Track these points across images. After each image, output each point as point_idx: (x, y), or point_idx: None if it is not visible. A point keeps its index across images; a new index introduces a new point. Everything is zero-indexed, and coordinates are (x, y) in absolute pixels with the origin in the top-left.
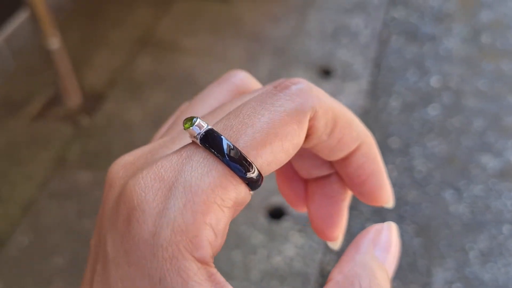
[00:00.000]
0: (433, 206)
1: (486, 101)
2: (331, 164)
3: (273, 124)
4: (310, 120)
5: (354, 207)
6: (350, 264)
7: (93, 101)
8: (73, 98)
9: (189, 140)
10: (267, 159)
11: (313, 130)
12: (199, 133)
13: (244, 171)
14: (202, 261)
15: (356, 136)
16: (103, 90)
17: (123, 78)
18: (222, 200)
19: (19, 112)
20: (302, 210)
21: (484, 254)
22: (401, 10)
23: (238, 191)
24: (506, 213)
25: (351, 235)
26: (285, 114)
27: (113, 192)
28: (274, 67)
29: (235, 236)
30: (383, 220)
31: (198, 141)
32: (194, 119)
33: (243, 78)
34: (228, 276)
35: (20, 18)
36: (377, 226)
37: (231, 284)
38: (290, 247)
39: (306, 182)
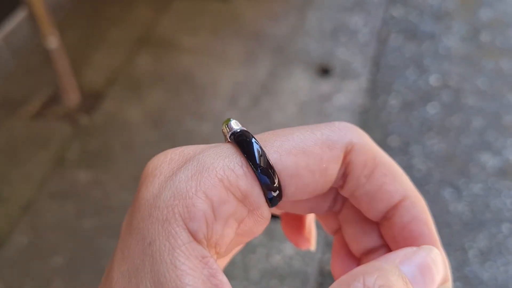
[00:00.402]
0: (433, 204)
1: (486, 100)
2: (380, 234)
3: (304, 141)
4: (347, 155)
5: None
6: (363, 266)
7: (92, 100)
8: (72, 97)
9: None
10: (289, 170)
11: (351, 168)
12: (231, 131)
13: (257, 163)
14: (194, 235)
15: (399, 188)
16: (102, 89)
17: (122, 77)
18: (230, 183)
19: (18, 112)
20: None
21: (484, 253)
22: (400, 9)
23: (249, 185)
24: (506, 211)
25: None
26: (320, 137)
27: None
28: (274, 66)
29: None
30: None
31: (228, 136)
32: (230, 121)
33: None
34: (227, 276)
35: (18, 17)
36: (414, 248)
37: (231, 284)
38: (290, 246)
39: (359, 262)
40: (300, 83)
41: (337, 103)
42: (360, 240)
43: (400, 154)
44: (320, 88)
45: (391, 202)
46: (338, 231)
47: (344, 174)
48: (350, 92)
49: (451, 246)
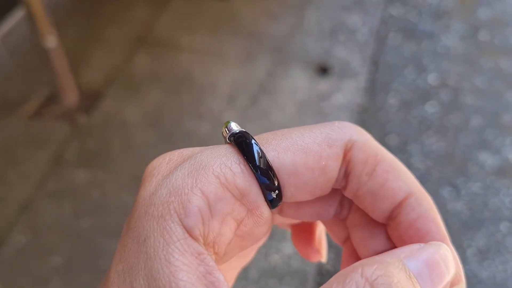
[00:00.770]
0: None
1: (484, 99)
2: (388, 236)
3: (302, 139)
4: (347, 152)
5: None
6: (364, 259)
7: (90, 99)
8: (71, 97)
9: None
10: (288, 168)
11: (352, 166)
12: (229, 133)
13: (256, 164)
14: (190, 232)
15: (403, 185)
16: (101, 89)
17: (120, 77)
18: (226, 180)
19: (16, 111)
20: None
21: (482, 251)
22: (399, 8)
23: (247, 183)
24: (504, 210)
25: None
26: (319, 135)
27: None
28: (272, 65)
29: None
30: None
31: (227, 138)
32: (229, 123)
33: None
34: None
35: (16, 17)
36: (422, 244)
37: None
38: (288, 245)
39: None
40: (298, 82)
41: (335, 102)
42: (368, 244)
43: (399, 153)
44: (319, 87)
45: (396, 200)
46: (347, 240)
47: (346, 173)
48: (348, 91)
49: None
